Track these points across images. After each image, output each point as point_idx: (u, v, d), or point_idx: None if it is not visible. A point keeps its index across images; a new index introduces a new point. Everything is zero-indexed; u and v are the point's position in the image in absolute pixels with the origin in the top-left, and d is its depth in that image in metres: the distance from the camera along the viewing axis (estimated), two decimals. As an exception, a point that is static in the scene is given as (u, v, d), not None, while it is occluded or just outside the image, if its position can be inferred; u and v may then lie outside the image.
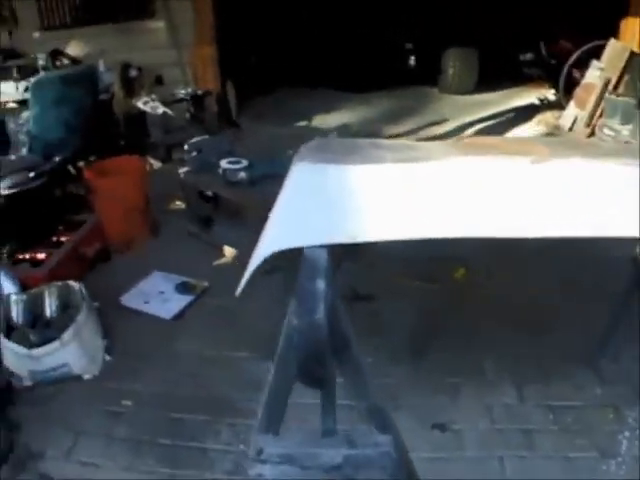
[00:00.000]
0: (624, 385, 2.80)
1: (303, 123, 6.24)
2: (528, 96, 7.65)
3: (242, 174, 3.34)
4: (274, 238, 1.75)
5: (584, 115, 6.20)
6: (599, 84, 6.05)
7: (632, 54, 5.95)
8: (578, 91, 6.22)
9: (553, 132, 6.50)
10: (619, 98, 5.95)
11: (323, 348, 1.22)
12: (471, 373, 2.81)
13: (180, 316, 3.07)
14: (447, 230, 1.78)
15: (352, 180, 2.03)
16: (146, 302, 3.15)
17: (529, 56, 7.83)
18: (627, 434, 2.59)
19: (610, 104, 5.99)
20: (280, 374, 1.36)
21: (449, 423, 2.56)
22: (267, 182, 3.28)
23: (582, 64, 7.49)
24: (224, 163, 3.38)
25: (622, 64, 5.97)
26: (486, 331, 3.03)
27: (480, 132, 6.32)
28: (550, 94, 7.75)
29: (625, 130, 5.83)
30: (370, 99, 6.95)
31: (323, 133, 5.78)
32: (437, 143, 2.45)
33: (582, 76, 7.74)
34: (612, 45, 6.11)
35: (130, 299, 3.17)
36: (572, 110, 6.39)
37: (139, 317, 3.10)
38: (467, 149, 2.28)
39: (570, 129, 6.45)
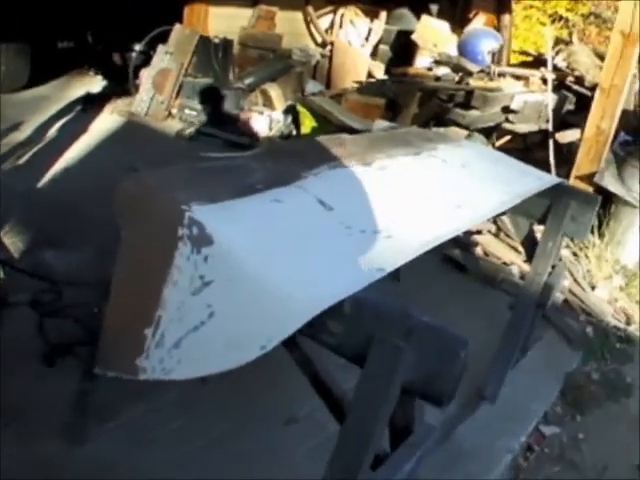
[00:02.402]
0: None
1: None
2: (79, 86, 7.32)
3: None
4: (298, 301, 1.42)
5: (163, 99, 6.29)
6: (174, 68, 6.20)
7: (201, 38, 6.26)
8: (155, 76, 6.26)
9: (130, 118, 6.42)
10: (196, 80, 6.24)
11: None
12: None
13: None
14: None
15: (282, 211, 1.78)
16: None
17: (71, 44, 7.45)
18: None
19: (189, 86, 6.26)
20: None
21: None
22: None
23: (123, 48, 7.55)
24: None
25: (192, 48, 6.24)
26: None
27: (64, 129, 5.84)
28: (99, 81, 7.58)
29: (204, 110, 6.26)
30: None
31: None
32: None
33: (123, 60, 7.80)
34: (179, 30, 6.32)
35: None
36: (145, 95, 6.40)
37: None
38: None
39: (146, 113, 6.47)
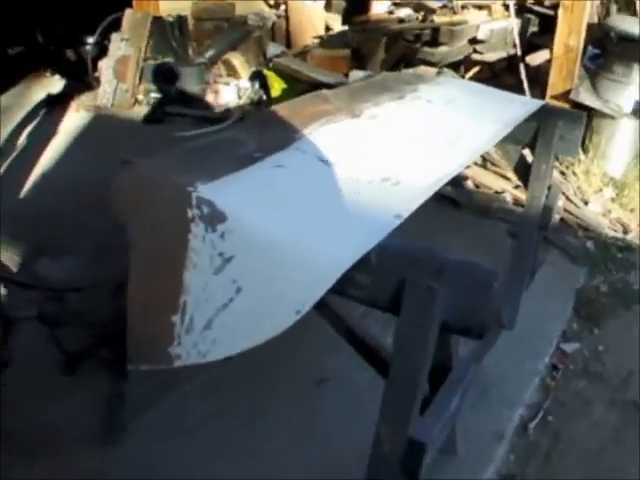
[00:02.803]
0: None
1: None
2: (39, 89, 7.16)
3: None
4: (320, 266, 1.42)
5: (127, 87, 6.19)
6: (132, 54, 6.09)
7: (154, 19, 6.15)
8: (115, 65, 6.14)
9: (97, 112, 6.31)
10: (157, 62, 6.17)
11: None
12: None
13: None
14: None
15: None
16: None
17: (21, 49, 7.28)
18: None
19: (150, 69, 6.17)
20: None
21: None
22: None
23: (76, 43, 7.39)
24: None
25: (147, 31, 6.13)
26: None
27: (33, 136, 5.74)
28: (58, 81, 7.42)
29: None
30: None
31: None
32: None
33: (78, 55, 7.64)
34: (131, 15, 6.19)
35: None
36: (108, 86, 6.28)
37: None
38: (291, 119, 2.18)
39: (112, 104, 6.37)
